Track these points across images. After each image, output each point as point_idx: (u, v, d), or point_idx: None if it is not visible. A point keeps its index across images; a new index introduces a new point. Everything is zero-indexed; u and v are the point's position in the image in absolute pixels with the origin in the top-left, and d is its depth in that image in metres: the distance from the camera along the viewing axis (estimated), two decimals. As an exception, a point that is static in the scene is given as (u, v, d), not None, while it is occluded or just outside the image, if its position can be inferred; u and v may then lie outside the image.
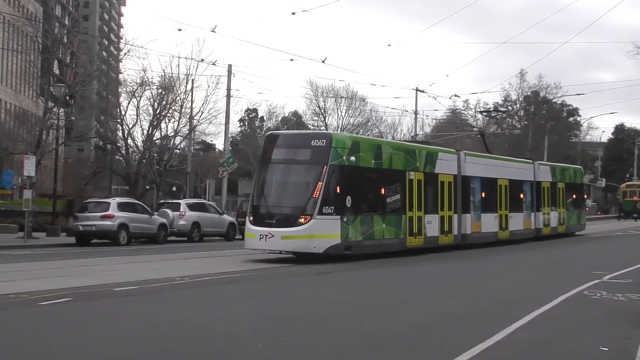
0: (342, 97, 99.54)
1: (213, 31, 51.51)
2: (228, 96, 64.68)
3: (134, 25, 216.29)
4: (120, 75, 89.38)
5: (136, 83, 74.27)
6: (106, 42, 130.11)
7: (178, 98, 73.34)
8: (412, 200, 37.51)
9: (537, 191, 52.84)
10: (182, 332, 14.86)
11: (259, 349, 13.59)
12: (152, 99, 73.06)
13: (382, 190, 35.30)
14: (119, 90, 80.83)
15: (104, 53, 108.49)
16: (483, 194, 44.83)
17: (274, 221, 32.02)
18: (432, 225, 39.15)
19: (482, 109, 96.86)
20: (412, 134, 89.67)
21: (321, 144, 32.51)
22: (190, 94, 72.58)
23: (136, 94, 74.07)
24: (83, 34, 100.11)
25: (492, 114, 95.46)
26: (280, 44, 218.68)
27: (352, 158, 32.96)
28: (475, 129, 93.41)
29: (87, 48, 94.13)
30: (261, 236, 31.78)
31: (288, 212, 32.08)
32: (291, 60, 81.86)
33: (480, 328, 15.77)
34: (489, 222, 45.32)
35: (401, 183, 36.71)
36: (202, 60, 68.04)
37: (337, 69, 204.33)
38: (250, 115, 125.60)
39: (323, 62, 50.16)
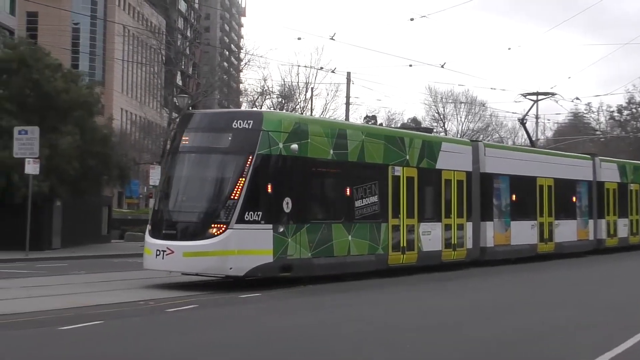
0: (461, 102, 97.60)
1: (332, 39, 50.03)
2: (347, 103, 63.80)
3: (254, 35, 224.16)
4: (241, 85, 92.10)
5: (257, 92, 74.10)
6: (227, 53, 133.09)
7: (298, 106, 72.57)
8: (399, 204, 28.46)
9: (598, 194, 43.12)
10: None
11: None
12: (272, 108, 71.09)
13: (348, 191, 26.34)
14: (240, 99, 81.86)
15: (225, 63, 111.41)
16: (514, 197, 35.39)
17: (175, 232, 23.41)
18: (431, 236, 30.01)
19: (606, 112, 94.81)
20: (533, 139, 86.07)
21: (246, 126, 23.79)
22: (310, 102, 72.95)
23: (257, 103, 72.84)
24: (205, 45, 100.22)
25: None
26: (398, 50, 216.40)
27: (294, 146, 24.17)
28: (598, 132, 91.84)
29: (208, 59, 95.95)
30: (157, 252, 23.18)
31: (194, 220, 23.48)
32: (410, 66, 79.81)
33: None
34: (523, 232, 35.85)
35: (381, 181, 27.76)
36: (322, 68, 67.08)
37: (456, 73, 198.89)
38: (370, 123, 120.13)
39: (442, 67, 48.22)
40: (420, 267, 29.62)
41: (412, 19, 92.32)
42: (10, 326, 15.80)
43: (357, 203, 26.69)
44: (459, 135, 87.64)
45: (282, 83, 73.93)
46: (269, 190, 23.65)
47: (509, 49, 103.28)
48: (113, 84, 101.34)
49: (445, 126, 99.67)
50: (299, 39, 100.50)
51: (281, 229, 23.75)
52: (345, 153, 26.38)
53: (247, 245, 23.18)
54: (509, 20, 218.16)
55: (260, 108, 69.12)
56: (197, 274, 23.88)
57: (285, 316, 18.64)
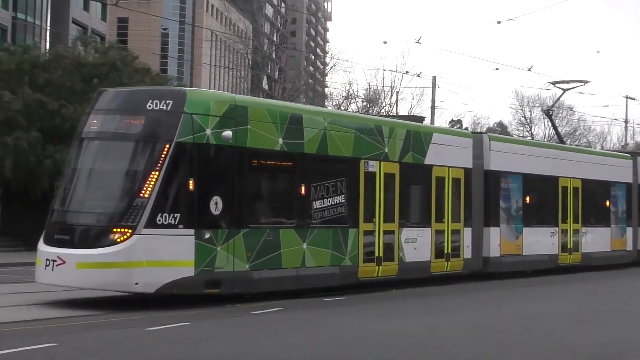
0: (548, 107, 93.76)
1: (418, 42, 49.82)
2: (432, 107, 63.95)
3: (340, 39, 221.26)
4: (326, 88, 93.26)
5: (342, 96, 75.27)
6: (313, 57, 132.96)
7: (383, 110, 73.40)
8: (374, 206, 23.71)
9: (639, 198, 37.68)
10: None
11: None
12: (357, 112, 70.71)
13: (303, 189, 21.66)
14: (325, 103, 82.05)
15: (310, 67, 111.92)
16: (527, 199, 30.40)
17: (69, 237, 18.96)
18: (417, 244, 25.22)
19: None
20: (622, 144, 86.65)
21: (163, 108, 19.28)
22: (395, 106, 73.34)
23: (342, 107, 73.34)
24: (291, 50, 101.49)
25: None
26: (485, 53, 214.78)
27: (227, 133, 19.60)
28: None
29: (294, 63, 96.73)
30: (47, 262, 18.74)
31: (92, 222, 19.11)
32: (496, 69, 79.58)
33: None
34: (540, 240, 30.87)
35: (349, 178, 23.11)
36: (407, 72, 67.50)
37: (543, 77, 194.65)
38: (455, 127, 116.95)
39: (529, 70, 47.06)
40: (401, 281, 24.78)
41: (499, 22, 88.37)
42: None
43: (316, 204, 22.04)
44: (545, 140, 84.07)
45: (368, 87, 75.35)
46: (191, 187, 19.12)
47: (598, 52, 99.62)
48: (200, 88, 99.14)
49: (532, 130, 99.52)
50: (385, 42, 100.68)
51: (207, 235, 19.21)
52: (301, 143, 21.72)
53: (160, 254, 18.72)
54: (599, 21, 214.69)
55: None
56: (100, 289, 19.36)
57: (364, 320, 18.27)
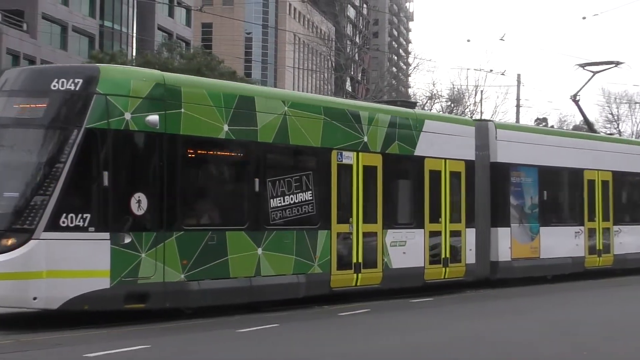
0: (636, 103, 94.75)
1: (501, 39, 54.19)
2: (517, 106, 63.26)
3: (422, 39, 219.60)
4: (409, 89, 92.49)
5: (425, 97, 74.54)
6: (395, 58, 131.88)
7: (467, 110, 73.08)
8: (351, 204, 20.34)
9: None
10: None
11: None
12: (441, 112, 70.07)
13: (256, 185, 18.33)
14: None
15: (393, 68, 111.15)
16: (545, 194, 26.72)
17: None
18: (406, 248, 21.77)
19: None
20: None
21: (71, 88, 16.20)
22: (479, 105, 72.86)
23: (426, 108, 71.09)
24: (373, 51, 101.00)
25: None
26: (570, 50, 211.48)
27: (153, 118, 16.42)
28: None
29: (377, 64, 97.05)
30: None
31: None
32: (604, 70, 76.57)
33: None
34: (561, 241, 27.16)
35: (318, 172, 19.86)
36: (491, 70, 66.71)
37: (631, 73, 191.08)
38: (540, 125, 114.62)
39: (616, 66, 41.75)
40: (387, 290, 21.37)
41: (584, 18, 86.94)
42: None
43: (274, 202, 18.74)
44: (634, 137, 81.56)
45: (451, 86, 74.91)
46: (105, 182, 15.94)
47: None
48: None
49: (620, 127, 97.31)
50: (468, 41, 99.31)
51: (127, 240, 16.04)
52: (253, 131, 18.43)
53: (65, 263, 15.63)
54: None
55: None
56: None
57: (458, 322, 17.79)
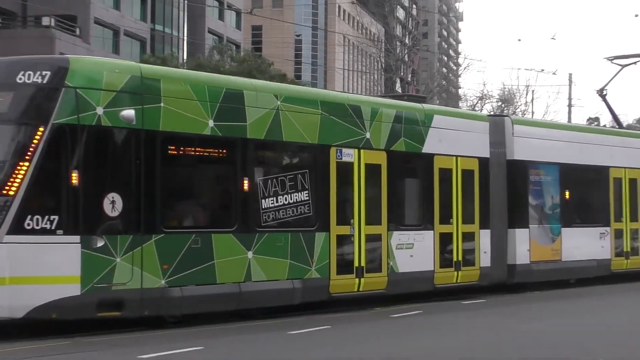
0: None
1: (553, 39, 47.88)
2: (569, 106, 63.28)
3: (472, 39, 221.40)
4: (460, 90, 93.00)
5: (476, 97, 74.83)
6: (445, 58, 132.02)
7: (518, 110, 73.12)
8: (352, 204, 19.13)
9: None
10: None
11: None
12: (492, 112, 69.08)
13: (246, 184, 17.16)
14: (459, 105, 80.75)
15: (443, 69, 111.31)
16: (566, 194, 25.27)
17: None
18: (414, 250, 20.49)
19: None
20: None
21: (38, 81, 15.12)
22: (530, 105, 72.89)
23: (476, 108, 71.47)
24: (423, 51, 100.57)
25: None
26: (622, 49, 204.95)
27: (128, 113, 15.33)
28: None
29: (427, 65, 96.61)
30: None
31: None
32: (634, 63, 75.02)
33: None
34: (584, 243, 25.72)
35: (315, 170, 18.70)
36: (542, 70, 66.85)
37: None
38: (593, 124, 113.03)
39: None
40: (393, 296, 20.10)
41: (636, 15, 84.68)
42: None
43: (266, 203, 17.55)
44: None
45: (502, 87, 75.00)
46: (75, 181, 14.81)
47: None
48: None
49: None
50: (519, 40, 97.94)
51: (99, 243, 14.92)
52: (242, 126, 17.25)
53: (30, 269, 14.61)
54: None
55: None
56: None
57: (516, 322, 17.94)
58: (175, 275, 15.97)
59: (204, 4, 69.21)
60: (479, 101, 73.59)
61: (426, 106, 21.91)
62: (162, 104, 15.94)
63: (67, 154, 14.89)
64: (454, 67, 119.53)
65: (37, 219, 14.50)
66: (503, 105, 74.27)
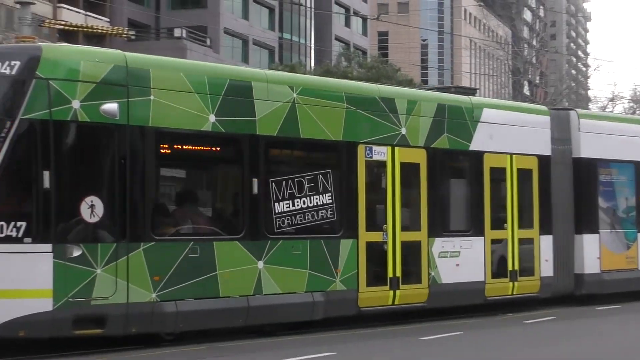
0: None
1: None
2: None
3: (601, 40, 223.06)
4: (589, 91, 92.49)
5: (606, 98, 73.77)
6: (574, 60, 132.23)
7: None
8: (385, 207, 17.10)
9: None
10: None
11: None
12: (624, 114, 67.25)
13: (254, 186, 15.32)
14: (590, 106, 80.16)
15: (572, 71, 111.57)
16: None
17: None
18: (460, 259, 18.47)
19: None
20: None
21: (6, 72, 13.66)
22: None
23: (607, 109, 70.41)
24: (552, 53, 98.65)
25: None
26: None
27: (109, 106, 13.70)
28: None
29: (555, 67, 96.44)
30: None
31: None
32: None
33: None
34: None
35: (340, 170, 16.79)
36: None
37: None
38: None
39: None
40: (434, 310, 18.01)
41: None
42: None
43: (280, 206, 15.70)
44: None
45: (634, 87, 73.99)
46: (46, 183, 13.20)
47: None
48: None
49: None
50: None
51: (76, 252, 13.29)
52: (250, 122, 15.45)
53: (-9, 282, 12.85)
54: None
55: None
56: None
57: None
58: (169, 288, 14.24)
59: (331, 11, 71.60)
60: (610, 102, 71.96)
61: (474, 99, 19.72)
62: (152, 97, 14.24)
63: (36, 153, 13.30)
64: (583, 69, 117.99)
65: (1, 226, 12.93)
66: (635, 105, 72.99)
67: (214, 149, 15.38)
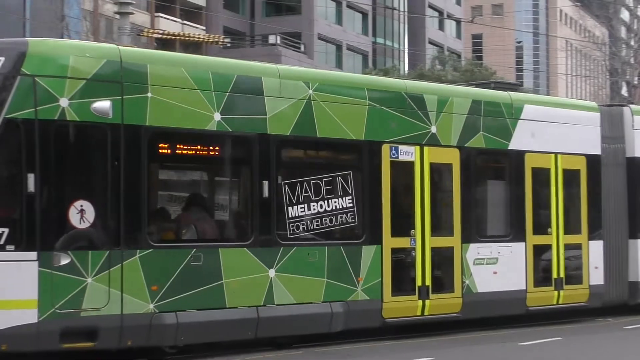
0: None
1: None
2: None
3: None
4: None
5: None
6: None
7: None
8: (411, 211, 16.06)
9: None
10: None
11: None
12: None
13: (265, 189, 14.30)
14: None
15: None
16: None
17: None
18: (498, 267, 17.30)
19: None
20: None
21: None
22: None
23: None
24: None
25: None
26: None
27: (100, 104, 12.91)
28: None
29: None
30: None
31: None
32: None
33: None
34: None
35: (362, 171, 15.77)
36: None
37: None
38: None
39: None
40: (468, 321, 16.79)
41: None
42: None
43: (295, 210, 14.70)
44: None
45: None
46: (31, 187, 12.38)
47: None
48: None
49: None
50: None
51: (64, 260, 12.45)
52: (259, 120, 14.47)
53: (-30, 293, 12.09)
54: None
55: None
56: None
57: None
58: (169, 299, 13.30)
59: (424, 15, 71.56)
60: None
61: (514, 94, 18.42)
62: (149, 94, 13.34)
63: (20, 154, 12.48)
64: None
65: None
66: None
67: (218, 149, 14.41)
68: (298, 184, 14.74)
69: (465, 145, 16.88)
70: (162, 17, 55.38)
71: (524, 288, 17.58)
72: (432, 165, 16.38)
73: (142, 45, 38.43)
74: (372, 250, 15.45)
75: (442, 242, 16.47)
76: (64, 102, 12.61)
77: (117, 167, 12.96)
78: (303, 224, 14.74)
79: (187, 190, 14.67)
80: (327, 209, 15.00)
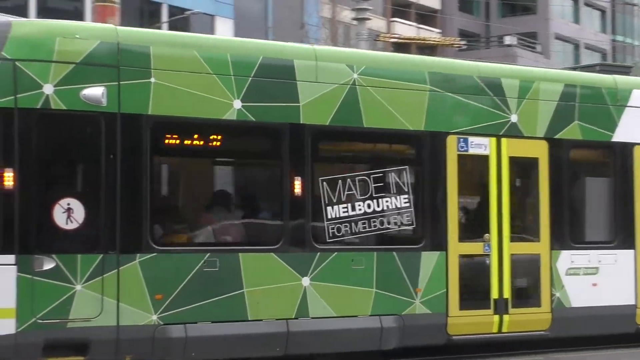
0: None
1: None
2: None
3: None
4: None
5: None
6: None
7: None
8: (485, 212, 13.94)
9: None
10: None
11: None
12: None
13: (298, 186, 12.64)
14: None
15: None
16: None
17: None
18: (597, 278, 15.01)
19: None
20: None
21: None
22: None
23: None
24: None
25: None
26: None
27: (92, 91, 11.60)
28: None
29: None
30: None
31: None
32: None
33: None
34: None
35: (422, 166, 13.73)
36: None
37: None
38: None
39: None
40: (559, 340, 14.45)
41: None
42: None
43: (335, 211, 12.90)
44: None
45: None
46: (9, 182, 11.16)
47: None
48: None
49: None
50: None
51: (47, 265, 11.17)
52: (292, 108, 12.77)
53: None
54: None
55: None
56: None
57: None
58: (176, 309, 11.74)
59: None
60: None
61: (620, 78, 15.87)
62: (152, 79, 11.87)
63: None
64: None
65: None
66: None
67: (239, 141, 12.75)
68: (340, 181, 12.91)
69: (556, 136, 14.58)
70: (397, 21, 57.08)
71: (634, 303, 15.05)
72: (512, 159, 14.19)
73: (378, 50, 37.79)
74: (434, 257, 13.40)
75: (525, 248, 14.22)
76: (48, 88, 11.30)
77: (112, 161, 11.54)
78: (345, 227, 12.89)
79: (199, 188, 13.07)
80: (377, 209, 13.10)
